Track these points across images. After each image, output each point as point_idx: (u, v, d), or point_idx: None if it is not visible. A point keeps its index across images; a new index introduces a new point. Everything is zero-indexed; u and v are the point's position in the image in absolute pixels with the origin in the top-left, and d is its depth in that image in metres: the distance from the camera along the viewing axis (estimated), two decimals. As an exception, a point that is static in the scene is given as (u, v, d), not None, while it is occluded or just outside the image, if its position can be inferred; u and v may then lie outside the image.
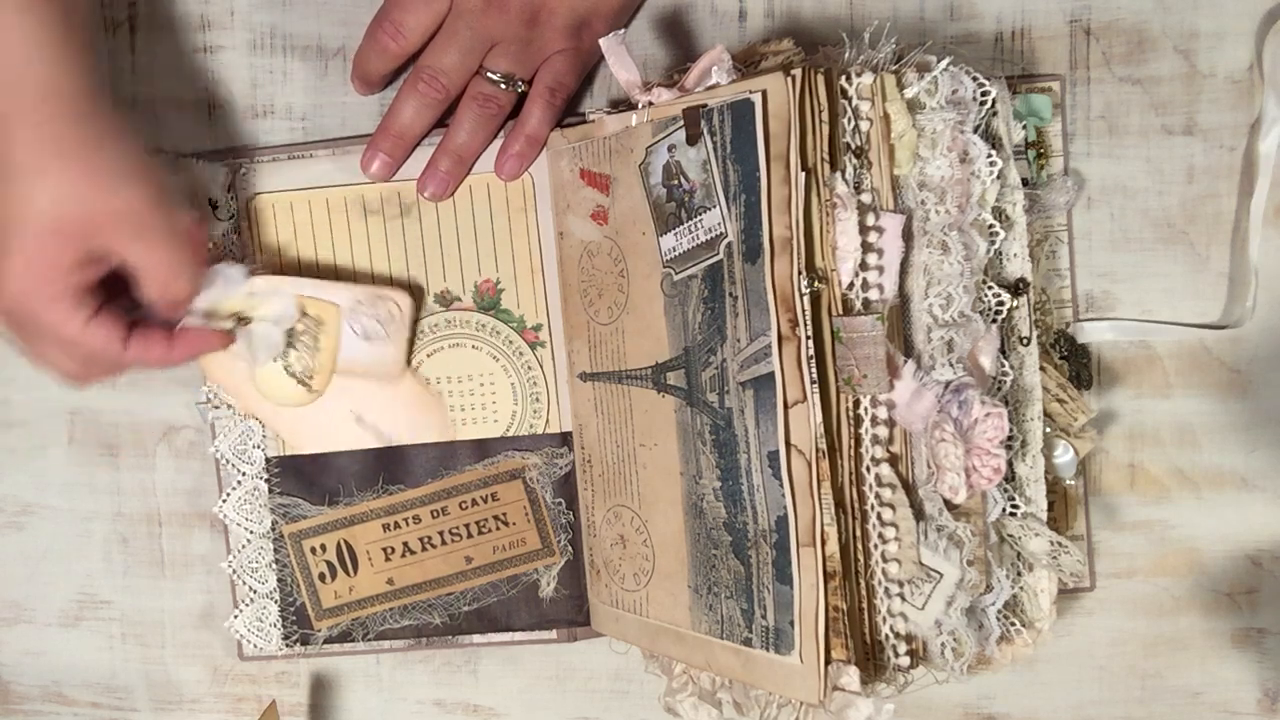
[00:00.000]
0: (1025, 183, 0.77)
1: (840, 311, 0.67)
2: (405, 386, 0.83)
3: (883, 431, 0.69)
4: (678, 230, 0.72)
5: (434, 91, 0.78)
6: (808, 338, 0.66)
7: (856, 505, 0.68)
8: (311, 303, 0.80)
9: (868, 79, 0.69)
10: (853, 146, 0.68)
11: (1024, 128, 0.79)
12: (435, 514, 0.83)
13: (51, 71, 0.68)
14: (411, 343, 0.83)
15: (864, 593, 0.69)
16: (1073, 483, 0.80)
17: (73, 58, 0.69)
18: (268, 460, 0.83)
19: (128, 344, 0.73)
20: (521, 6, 0.76)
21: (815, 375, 0.66)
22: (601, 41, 0.74)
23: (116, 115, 0.71)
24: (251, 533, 0.84)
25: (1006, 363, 0.75)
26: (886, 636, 0.70)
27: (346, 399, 0.83)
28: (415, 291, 0.83)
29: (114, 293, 0.73)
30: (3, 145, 0.68)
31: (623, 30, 0.77)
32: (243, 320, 0.79)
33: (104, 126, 0.70)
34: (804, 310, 0.66)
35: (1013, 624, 0.76)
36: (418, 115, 0.79)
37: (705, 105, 0.69)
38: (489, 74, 0.78)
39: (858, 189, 0.68)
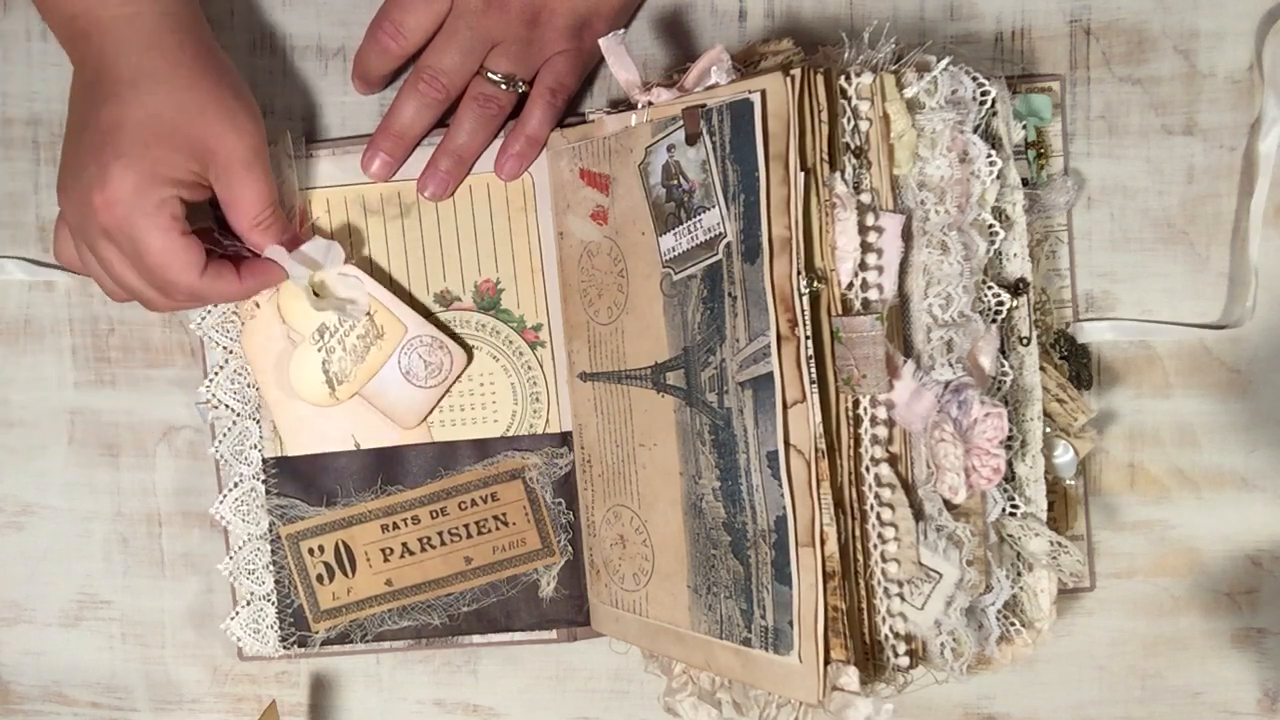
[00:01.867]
0: (1025, 183, 0.77)
1: (840, 311, 0.67)
2: (411, 433, 0.84)
3: (882, 431, 0.69)
4: (677, 230, 0.72)
5: (434, 91, 0.78)
6: (807, 338, 0.66)
7: (856, 505, 0.68)
8: (384, 312, 0.81)
9: (867, 79, 0.68)
10: (852, 146, 0.68)
11: (1024, 128, 0.79)
12: (434, 514, 0.83)
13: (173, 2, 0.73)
14: (438, 402, 0.83)
15: (863, 593, 0.69)
16: (1073, 483, 0.80)
17: None
18: (265, 461, 0.83)
19: (204, 272, 0.74)
20: (522, 7, 0.76)
21: (814, 375, 0.66)
22: (601, 41, 0.74)
23: (228, 57, 0.75)
24: (249, 534, 0.84)
25: (1006, 363, 0.75)
26: (886, 636, 0.70)
27: (352, 421, 0.83)
28: (469, 355, 0.83)
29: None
30: (132, 57, 0.71)
31: (623, 30, 0.77)
32: (318, 293, 0.80)
33: (223, 60, 0.75)
34: (803, 310, 0.66)
35: (1012, 624, 0.76)
36: (418, 115, 0.79)
37: (704, 105, 0.69)
38: (489, 74, 0.78)
39: (857, 189, 0.68)
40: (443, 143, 0.81)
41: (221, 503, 0.83)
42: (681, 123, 0.71)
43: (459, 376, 0.83)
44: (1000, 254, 0.75)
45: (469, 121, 0.80)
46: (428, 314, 0.83)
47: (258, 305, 0.81)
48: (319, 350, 0.81)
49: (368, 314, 0.81)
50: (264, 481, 0.83)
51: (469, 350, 0.83)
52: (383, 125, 0.80)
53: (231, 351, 0.83)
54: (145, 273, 0.73)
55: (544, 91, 0.79)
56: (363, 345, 0.81)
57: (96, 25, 0.72)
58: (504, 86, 0.78)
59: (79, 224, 0.73)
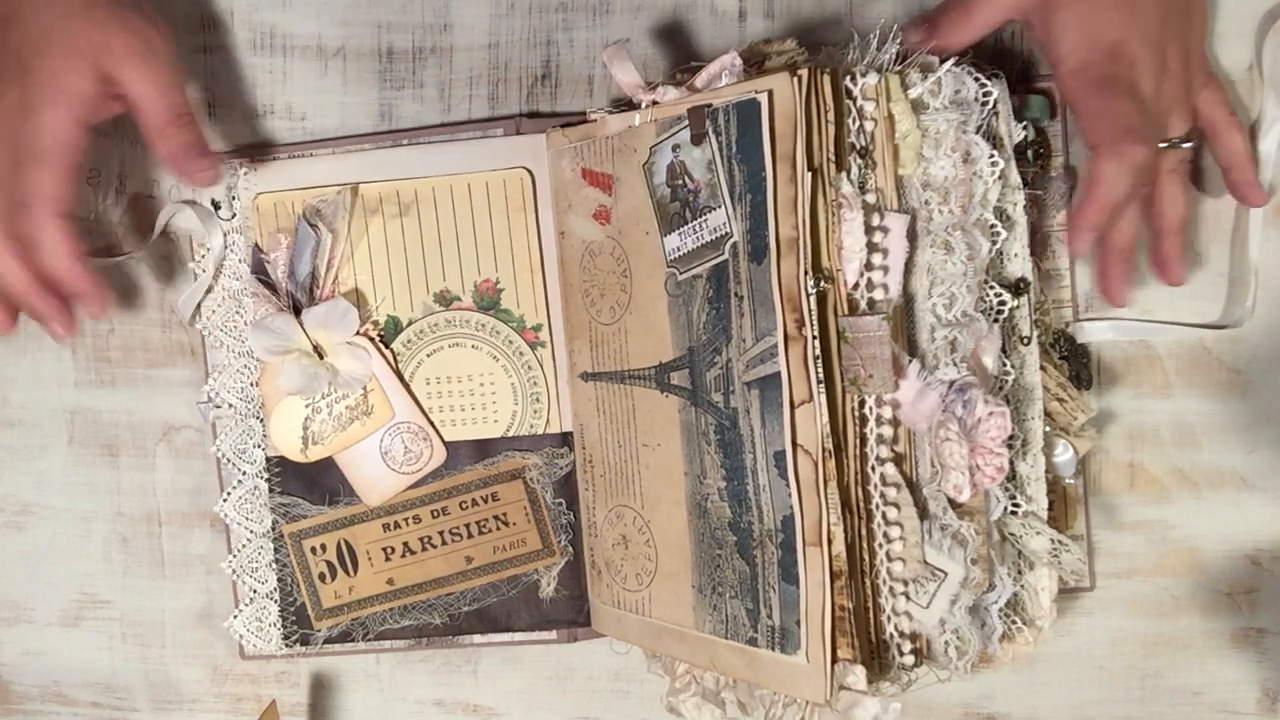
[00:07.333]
0: (1025, 182, 0.77)
1: (846, 311, 0.67)
2: None
3: (888, 431, 0.69)
4: (682, 230, 0.72)
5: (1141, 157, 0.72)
6: (813, 337, 0.66)
7: (862, 505, 0.68)
8: (379, 395, 0.82)
9: (872, 79, 0.69)
10: (858, 147, 0.69)
11: (1024, 128, 0.79)
12: (435, 514, 0.83)
13: None
14: (403, 489, 0.83)
15: (869, 591, 0.69)
16: (1072, 482, 0.80)
17: None
18: (268, 460, 0.83)
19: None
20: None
21: (821, 375, 0.66)
22: (604, 52, 0.74)
23: None
24: (252, 532, 0.84)
25: (1007, 362, 0.75)
26: (891, 635, 0.70)
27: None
28: (449, 451, 0.83)
29: None
30: None
31: (626, 39, 0.77)
32: (320, 354, 0.81)
33: None
34: (810, 310, 0.66)
35: (1014, 622, 0.76)
36: (1128, 184, 0.72)
37: (710, 105, 0.69)
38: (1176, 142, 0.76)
39: (862, 189, 0.68)
40: (1156, 226, 0.78)
41: (225, 501, 0.83)
42: (687, 122, 0.71)
43: (433, 472, 0.83)
44: (1001, 254, 0.75)
45: (1171, 189, 0.77)
46: (418, 402, 0.83)
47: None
48: (306, 406, 0.81)
49: (365, 391, 0.81)
50: (267, 480, 0.83)
51: (448, 448, 0.83)
52: (1086, 201, 0.72)
53: (233, 351, 0.83)
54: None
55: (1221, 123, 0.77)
56: (348, 416, 0.82)
57: None
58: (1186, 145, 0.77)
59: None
